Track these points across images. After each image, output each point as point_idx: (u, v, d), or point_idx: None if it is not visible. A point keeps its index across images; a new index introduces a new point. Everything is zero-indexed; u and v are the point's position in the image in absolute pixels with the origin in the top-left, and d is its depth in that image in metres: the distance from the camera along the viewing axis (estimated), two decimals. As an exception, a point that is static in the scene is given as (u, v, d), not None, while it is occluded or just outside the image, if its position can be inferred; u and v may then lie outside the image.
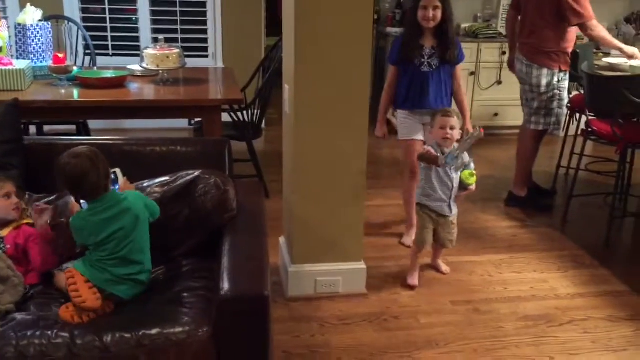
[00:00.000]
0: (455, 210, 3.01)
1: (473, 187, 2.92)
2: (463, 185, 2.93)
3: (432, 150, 2.85)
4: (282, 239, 3.14)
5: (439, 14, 3.16)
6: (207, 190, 2.23)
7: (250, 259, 2.00)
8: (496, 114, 5.59)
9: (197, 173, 2.27)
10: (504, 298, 2.98)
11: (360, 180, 2.83)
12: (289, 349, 2.52)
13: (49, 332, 1.82)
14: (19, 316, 1.91)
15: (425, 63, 3.23)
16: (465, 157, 2.89)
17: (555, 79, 3.80)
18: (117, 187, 2.18)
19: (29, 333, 1.81)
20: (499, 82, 5.50)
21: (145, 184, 2.28)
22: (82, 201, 2.11)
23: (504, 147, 5.28)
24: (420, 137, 3.35)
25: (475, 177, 2.88)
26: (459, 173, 2.90)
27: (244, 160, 3.88)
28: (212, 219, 2.23)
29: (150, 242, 2.15)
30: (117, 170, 2.29)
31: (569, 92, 4.03)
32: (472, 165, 2.94)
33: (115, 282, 1.97)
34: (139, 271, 2.02)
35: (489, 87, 5.50)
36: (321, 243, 2.87)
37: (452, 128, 2.86)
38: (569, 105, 4.00)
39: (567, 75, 3.86)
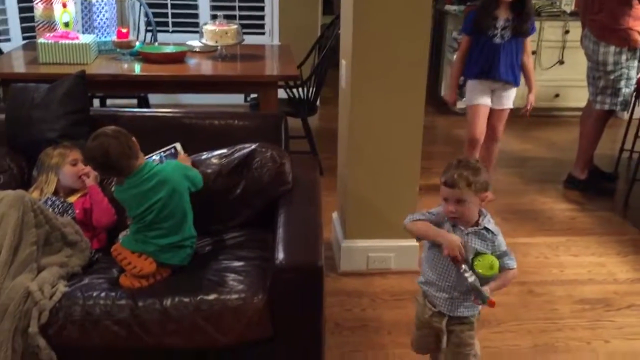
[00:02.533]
0: (465, 312, 1.89)
1: (492, 284, 1.80)
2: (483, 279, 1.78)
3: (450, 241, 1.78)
4: (335, 215, 3.16)
5: None
6: (263, 163, 2.27)
7: (305, 231, 2.04)
8: (557, 95, 5.42)
9: (254, 146, 2.32)
10: (560, 281, 2.92)
11: (415, 157, 2.82)
12: (340, 321, 2.56)
13: (113, 294, 1.91)
14: (85, 278, 2.01)
15: (498, 35, 3.35)
16: (501, 244, 1.85)
17: (624, 57, 3.66)
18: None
19: (94, 294, 1.90)
20: (561, 62, 5.32)
21: (203, 157, 2.34)
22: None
23: (564, 128, 5.14)
24: (486, 102, 3.53)
25: (496, 269, 1.78)
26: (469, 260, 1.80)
27: (298, 137, 3.91)
28: (268, 191, 2.27)
29: (209, 213, 2.22)
30: (177, 144, 2.36)
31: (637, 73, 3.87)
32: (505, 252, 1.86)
33: (160, 250, 2.03)
34: (180, 239, 2.06)
35: (550, 67, 5.33)
36: (374, 219, 2.87)
37: (459, 201, 1.78)
38: (635, 86, 3.85)
39: (637, 54, 3.71)
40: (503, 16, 3.31)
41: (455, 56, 3.65)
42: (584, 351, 2.43)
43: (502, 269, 1.82)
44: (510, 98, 3.56)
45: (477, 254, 1.80)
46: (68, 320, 1.84)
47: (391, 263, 2.92)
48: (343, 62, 2.81)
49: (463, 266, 1.76)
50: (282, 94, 3.68)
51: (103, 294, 1.91)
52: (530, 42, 3.54)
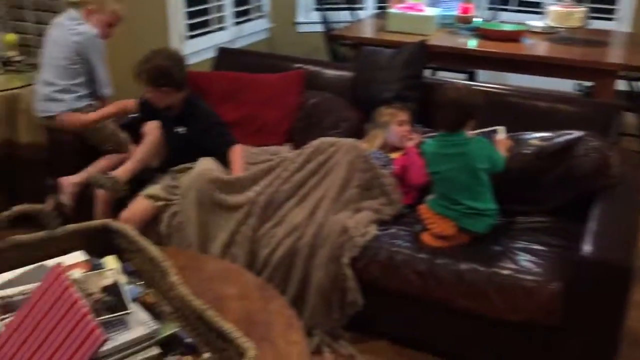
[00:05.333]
0: None
1: None
2: None
3: None
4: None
5: None
6: (587, 153, 2.16)
7: (619, 229, 1.91)
8: None
9: (580, 134, 2.22)
10: None
11: None
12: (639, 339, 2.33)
13: (415, 247, 2.07)
14: (392, 228, 2.21)
15: None
16: None
17: None
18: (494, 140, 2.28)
19: (398, 242, 2.10)
20: None
21: (524, 136, 2.33)
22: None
23: None
24: None
25: None
26: None
27: (633, 135, 3.57)
28: (587, 182, 2.16)
29: (518, 193, 2.24)
30: (502, 128, 2.35)
31: None
32: None
33: (462, 216, 2.10)
34: (481, 209, 2.10)
35: None
36: None
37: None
38: None
39: None
40: None
41: None
42: None
43: None
44: None
45: None
46: (373, 259, 2.07)
47: None
48: None
49: None
50: (623, 86, 3.40)
51: (406, 245, 2.09)
52: None
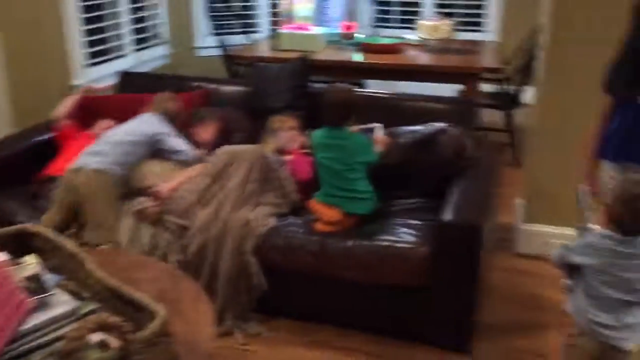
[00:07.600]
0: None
1: None
2: None
3: None
4: (518, 201, 3.28)
5: None
6: (448, 140, 2.55)
7: (474, 198, 2.29)
8: None
9: (443, 125, 2.61)
10: None
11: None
12: (508, 296, 2.72)
13: (308, 232, 2.36)
14: (289, 218, 2.50)
15: None
16: None
17: None
18: (373, 137, 2.62)
19: (293, 230, 2.38)
20: None
21: (401, 130, 2.69)
22: None
23: None
24: None
25: None
26: None
27: (501, 130, 4.06)
28: (449, 166, 2.54)
29: (396, 180, 2.58)
30: (378, 125, 2.69)
31: None
32: None
33: (344, 201, 2.41)
34: (357, 193, 2.43)
35: None
36: (556, 206, 2.94)
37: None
38: None
39: None
40: None
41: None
42: None
43: None
44: None
45: None
46: (273, 246, 2.35)
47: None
48: (542, 54, 2.93)
49: None
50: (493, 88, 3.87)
51: (301, 231, 2.38)
52: None
